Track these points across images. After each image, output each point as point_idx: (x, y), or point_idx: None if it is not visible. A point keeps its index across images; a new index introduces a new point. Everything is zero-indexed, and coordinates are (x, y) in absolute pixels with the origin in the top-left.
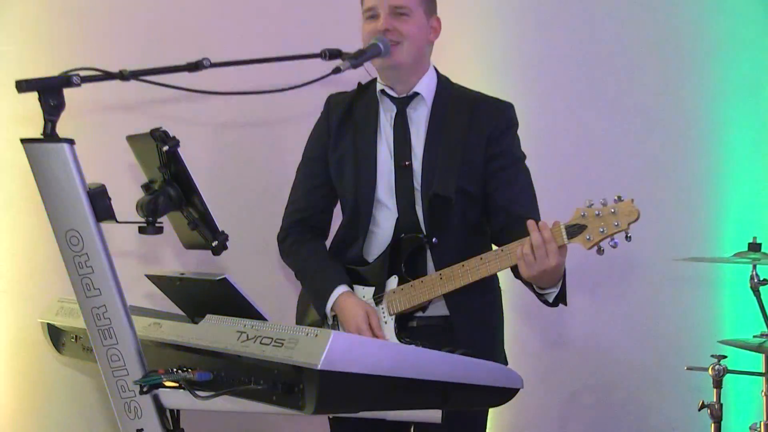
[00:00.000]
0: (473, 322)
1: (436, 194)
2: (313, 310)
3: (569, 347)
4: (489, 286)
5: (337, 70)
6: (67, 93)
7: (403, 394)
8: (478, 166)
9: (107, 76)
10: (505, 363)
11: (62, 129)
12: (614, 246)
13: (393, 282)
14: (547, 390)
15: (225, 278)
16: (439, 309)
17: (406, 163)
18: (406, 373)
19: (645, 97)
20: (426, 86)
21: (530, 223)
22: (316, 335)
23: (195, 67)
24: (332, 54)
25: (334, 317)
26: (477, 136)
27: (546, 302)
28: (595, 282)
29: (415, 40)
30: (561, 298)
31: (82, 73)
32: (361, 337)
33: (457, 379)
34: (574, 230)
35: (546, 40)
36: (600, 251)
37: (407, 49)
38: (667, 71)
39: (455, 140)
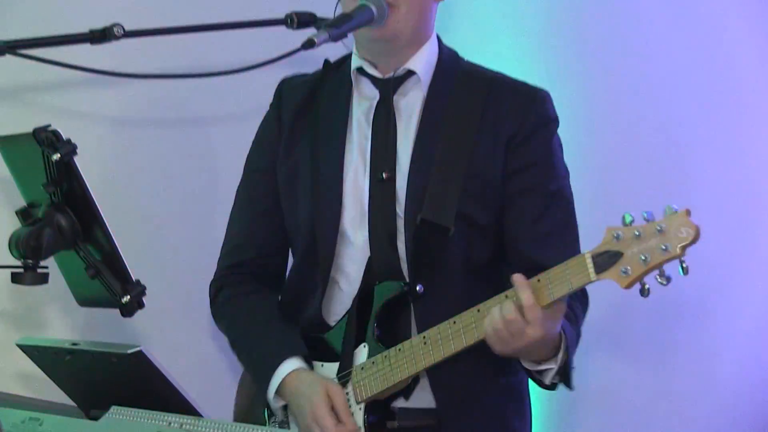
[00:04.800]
0: (477, 418)
1: (426, 221)
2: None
3: None
4: (509, 360)
5: (309, 44)
6: None
7: None
8: (492, 182)
9: None
10: None
11: None
12: (665, 282)
13: (362, 353)
14: None
15: (140, 351)
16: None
17: (386, 175)
18: None
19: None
20: (424, 62)
21: (515, 278)
22: None
23: (101, 36)
24: (302, 20)
25: (285, 408)
26: (493, 136)
27: (541, 384)
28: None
29: (419, 1)
30: (563, 377)
31: None
32: None
33: None
34: (604, 260)
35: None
36: (644, 292)
37: (408, 13)
38: None
39: (460, 141)
